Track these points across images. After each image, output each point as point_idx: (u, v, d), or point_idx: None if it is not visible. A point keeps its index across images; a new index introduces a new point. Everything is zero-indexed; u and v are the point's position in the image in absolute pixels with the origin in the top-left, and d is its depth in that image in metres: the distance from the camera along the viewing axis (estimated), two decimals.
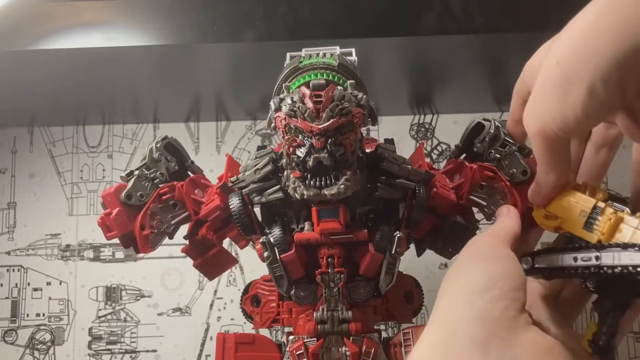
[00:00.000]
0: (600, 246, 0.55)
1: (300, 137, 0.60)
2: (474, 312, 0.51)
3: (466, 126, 0.75)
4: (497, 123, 0.72)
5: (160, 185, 0.73)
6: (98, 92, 1.09)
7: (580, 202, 0.60)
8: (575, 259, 0.57)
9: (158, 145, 0.74)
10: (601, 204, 0.58)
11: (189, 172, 0.77)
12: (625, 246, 0.53)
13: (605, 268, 0.54)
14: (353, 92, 0.62)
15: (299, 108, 0.60)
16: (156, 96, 1.14)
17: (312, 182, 0.61)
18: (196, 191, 0.75)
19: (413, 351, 0.53)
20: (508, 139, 0.71)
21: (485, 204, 0.72)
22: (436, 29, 0.94)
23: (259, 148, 0.72)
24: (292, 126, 0.60)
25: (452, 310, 0.53)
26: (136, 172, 0.72)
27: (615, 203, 0.59)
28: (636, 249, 0.52)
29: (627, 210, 0.57)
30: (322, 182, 0.61)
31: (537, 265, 0.61)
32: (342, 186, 0.60)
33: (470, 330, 0.50)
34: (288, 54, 0.71)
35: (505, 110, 1.20)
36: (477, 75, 1.09)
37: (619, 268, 0.52)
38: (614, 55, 0.48)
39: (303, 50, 0.70)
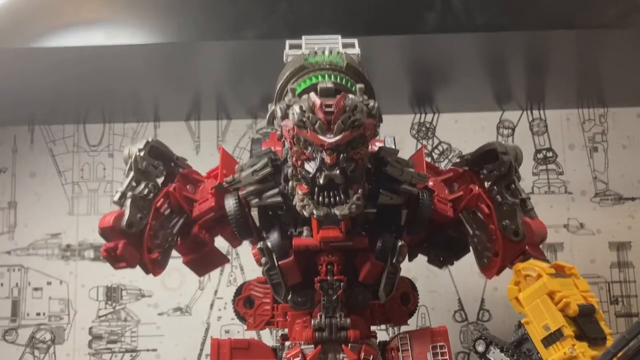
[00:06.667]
0: None
1: (309, 150, 0.58)
2: None
3: (480, 145, 0.73)
4: (512, 162, 0.69)
5: (154, 199, 0.69)
6: (98, 91, 1.09)
7: (549, 316, 0.62)
8: None
9: (142, 154, 0.70)
10: (566, 331, 0.61)
11: (178, 169, 0.74)
12: None
13: None
14: (364, 100, 0.59)
15: (308, 118, 0.57)
16: (157, 94, 1.14)
17: (320, 198, 0.58)
18: (188, 187, 0.72)
19: None
20: (517, 186, 0.69)
21: (470, 232, 0.71)
22: (437, 27, 0.94)
23: (254, 141, 0.71)
24: (301, 138, 0.58)
25: None
26: (129, 194, 0.67)
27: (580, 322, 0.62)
28: None
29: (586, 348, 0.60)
30: (332, 200, 0.58)
31: (488, 355, 0.68)
32: (354, 206, 0.58)
33: None
34: (287, 42, 0.69)
35: (505, 109, 1.19)
36: (478, 74, 1.08)
37: None
38: None
39: (303, 38, 0.68)
